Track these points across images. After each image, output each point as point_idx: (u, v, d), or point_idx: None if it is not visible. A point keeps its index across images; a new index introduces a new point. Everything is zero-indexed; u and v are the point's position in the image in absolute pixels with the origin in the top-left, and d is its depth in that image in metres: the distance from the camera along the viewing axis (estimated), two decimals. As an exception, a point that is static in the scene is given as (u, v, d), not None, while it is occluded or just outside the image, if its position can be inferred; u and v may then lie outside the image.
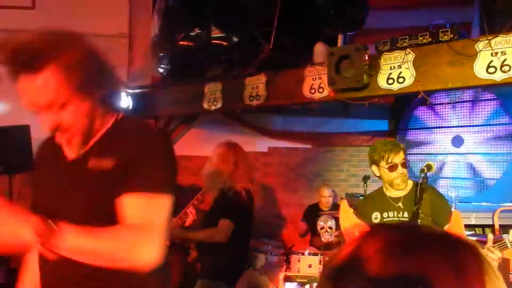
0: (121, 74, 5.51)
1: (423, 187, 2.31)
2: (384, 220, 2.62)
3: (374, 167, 2.66)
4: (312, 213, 5.01)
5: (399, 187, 2.58)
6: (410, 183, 2.65)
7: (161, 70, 5.02)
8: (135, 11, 5.69)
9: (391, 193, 2.65)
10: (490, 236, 2.28)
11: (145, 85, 5.36)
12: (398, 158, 2.56)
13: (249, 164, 3.37)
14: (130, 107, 5.39)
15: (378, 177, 2.69)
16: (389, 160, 2.55)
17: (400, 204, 2.61)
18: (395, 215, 2.60)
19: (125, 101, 5.30)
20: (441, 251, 0.55)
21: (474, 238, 3.50)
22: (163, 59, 4.87)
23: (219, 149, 3.28)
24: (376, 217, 2.65)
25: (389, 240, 0.56)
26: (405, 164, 2.59)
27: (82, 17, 5.64)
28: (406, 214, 2.56)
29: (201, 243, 3.29)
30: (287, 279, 3.84)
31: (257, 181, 5.68)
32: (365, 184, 3.14)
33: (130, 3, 5.70)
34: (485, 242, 3.37)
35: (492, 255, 2.19)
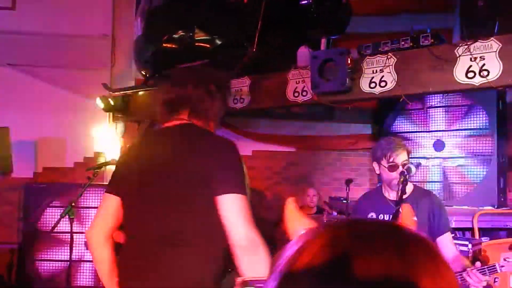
0: (103, 75, 5.50)
1: (404, 190, 2.29)
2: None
3: (375, 164, 2.57)
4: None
5: (396, 188, 2.45)
6: (411, 187, 2.56)
7: (144, 72, 4.98)
8: (118, 12, 5.64)
9: (389, 195, 2.57)
10: (478, 264, 2.23)
11: (127, 87, 5.31)
12: (400, 158, 2.47)
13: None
14: (113, 110, 5.35)
15: (378, 175, 2.61)
16: (391, 160, 2.46)
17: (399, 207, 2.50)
18: (392, 219, 2.46)
19: (108, 103, 5.25)
20: (391, 243, 0.54)
21: (456, 241, 3.53)
22: (146, 61, 4.84)
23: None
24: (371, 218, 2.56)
25: (334, 235, 0.55)
26: (405, 165, 2.47)
27: (64, 18, 5.59)
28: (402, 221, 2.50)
29: None
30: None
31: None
32: (347, 188, 3.15)
33: (113, 4, 5.65)
34: (465, 245, 3.44)
35: (475, 279, 2.15)
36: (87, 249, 5.17)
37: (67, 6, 5.58)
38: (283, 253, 0.56)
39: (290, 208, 0.83)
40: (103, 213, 1.92)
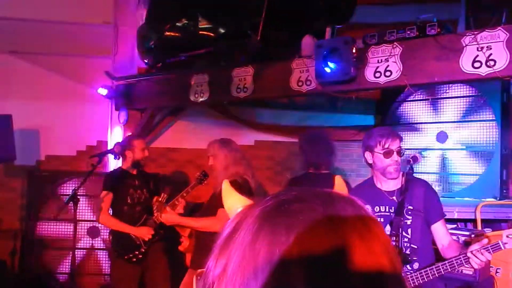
0: (106, 63, 5.48)
1: (409, 178, 2.29)
2: (376, 214, 2.50)
3: (367, 154, 2.57)
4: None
5: (391, 175, 2.49)
6: (403, 175, 2.55)
7: (147, 61, 4.96)
8: (121, 0, 5.61)
9: (382, 185, 2.56)
10: (485, 241, 2.26)
11: (130, 75, 5.29)
12: (395, 144, 2.49)
13: (241, 155, 3.46)
14: (116, 99, 5.34)
15: (370, 165, 2.61)
16: (386, 146, 2.47)
17: (394, 197, 2.50)
18: (387, 210, 2.49)
19: (110, 92, 5.24)
20: (319, 202, 0.55)
21: (458, 232, 3.53)
22: (149, 50, 4.82)
23: (216, 150, 3.42)
24: None
25: (264, 206, 0.57)
26: (400, 152, 2.51)
27: (66, 5, 5.55)
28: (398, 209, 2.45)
29: (196, 232, 3.32)
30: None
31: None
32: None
33: (116, -9, 5.62)
34: (468, 236, 3.44)
35: (481, 257, 2.14)
36: (90, 237, 5.20)
37: (69, -8, 5.54)
38: (224, 231, 0.58)
39: (226, 187, 0.84)
40: None
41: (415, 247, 2.43)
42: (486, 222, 3.96)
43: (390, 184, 2.54)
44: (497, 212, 4.10)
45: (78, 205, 3.80)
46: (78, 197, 3.67)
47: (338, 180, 0.86)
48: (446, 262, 2.24)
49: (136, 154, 3.91)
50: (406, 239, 2.43)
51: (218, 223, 3.13)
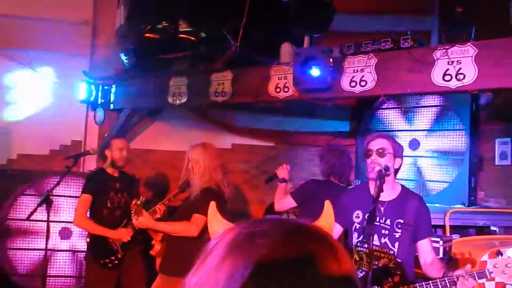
0: (83, 62, 5.42)
1: (381, 187, 2.30)
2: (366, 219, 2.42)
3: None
4: (274, 211, 5.08)
5: (369, 175, 2.47)
6: (398, 188, 2.53)
7: (125, 61, 4.94)
8: (100, -1, 5.57)
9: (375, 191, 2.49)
10: (468, 267, 2.19)
11: (108, 75, 5.25)
12: (375, 145, 2.47)
13: (221, 162, 3.44)
14: (93, 99, 5.29)
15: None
16: (367, 147, 2.49)
17: (382, 208, 2.47)
18: (377, 220, 2.42)
19: (88, 91, 5.19)
20: (283, 238, 0.59)
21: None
22: (128, 50, 4.80)
23: (192, 155, 3.36)
24: (357, 216, 2.54)
25: (238, 233, 0.61)
26: (381, 153, 2.45)
27: (45, 2, 5.47)
28: (388, 222, 2.45)
29: (167, 236, 3.31)
30: None
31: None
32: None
33: (96, -10, 5.58)
34: (437, 242, 3.54)
35: (467, 284, 2.10)
36: (62, 238, 5.12)
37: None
38: (206, 250, 0.62)
39: (212, 210, 0.88)
40: None
41: (400, 261, 2.43)
42: (455, 229, 4.09)
43: (384, 193, 2.42)
44: (465, 218, 4.24)
45: (52, 206, 3.73)
46: (51, 198, 3.60)
47: (327, 205, 0.89)
48: (430, 282, 2.23)
49: (114, 153, 3.87)
50: (392, 252, 2.44)
51: (192, 228, 3.13)
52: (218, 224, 0.79)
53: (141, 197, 3.44)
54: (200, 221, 3.11)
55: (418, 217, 2.45)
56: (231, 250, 0.58)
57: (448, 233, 3.92)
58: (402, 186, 2.57)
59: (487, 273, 2.12)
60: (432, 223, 4.12)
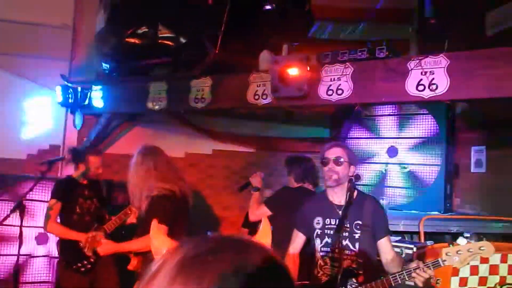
0: (62, 66, 5.36)
1: (359, 194, 2.39)
2: (326, 226, 2.60)
3: (321, 167, 2.66)
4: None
5: (326, 182, 2.60)
6: (354, 192, 2.59)
7: (105, 66, 4.91)
8: (81, 3, 5.52)
9: (334, 198, 2.64)
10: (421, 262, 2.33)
11: (87, 79, 5.21)
12: (331, 153, 2.58)
13: (172, 164, 3.23)
14: (72, 103, 5.23)
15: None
16: (324, 155, 2.59)
17: (341, 212, 2.54)
18: (336, 223, 2.54)
19: (66, 96, 5.13)
20: (231, 254, 0.63)
21: (402, 244, 3.70)
22: (108, 55, 4.77)
23: (135, 159, 3.15)
24: (318, 222, 2.63)
25: (183, 255, 0.63)
26: (337, 162, 2.55)
27: (24, 4, 5.41)
28: (347, 224, 2.53)
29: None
30: None
31: (200, 182, 5.71)
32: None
33: (76, -6, 5.53)
34: (410, 248, 3.61)
35: (424, 274, 2.24)
36: (38, 243, 5.05)
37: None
38: (151, 269, 0.64)
39: (154, 227, 0.91)
40: None
41: (361, 261, 2.53)
42: (431, 235, 4.16)
43: (340, 198, 2.60)
44: (439, 225, 4.31)
45: (25, 212, 3.68)
46: (24, 204, 3.56)
47: (265, 222, 0.94)
48: (390, 276, 2.35)
49: (90, 171, 3.87)
50: (353, 253, 2.53)
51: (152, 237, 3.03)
52: (161, 242, 0.81)
53: (95, 232, 3.48)
54: (157, 226, 2.98)
55: (375, 217, 2.57)
56: (181, 269, 0.60)
57: (422, 240, 3.98)
58: (358, 190, 2.67)
59: (441, 262, 2.25)
60: (408, 229, 4.24)
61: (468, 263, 2.29)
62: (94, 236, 3.41)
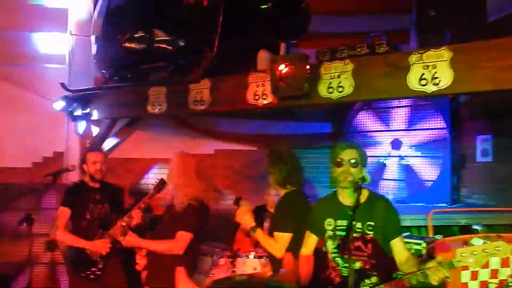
0: (62, 74, 5.34)
1: (371, 195, 2.35)
2: (337, 228, 2.57)
3: (332, 168, 2.61)
4: (259, 215, 5.05)
5: (340, 184, 2.54)
6: (365, 193, 2.57)
7: (103, 72, 4.88)
8: (76, 10, 5.50)
9: (344, 199, 2.59)
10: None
11: (86, 87, 5.19)
12: (346, 155, 2.53)
13: (207, 174, 3.45)
14: (72, 110, 5.21)
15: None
16: (338, 157, 2.53)
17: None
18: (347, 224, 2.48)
19: (66, 103, 5.11)
20: None
21: (411, 240, 3.64)
22: (105, 61, 4.74)
23: (179, 162, 3.34)
24: (329, 224, 2.60)
25: None
26: (353, 164, 2.51)
27: (20, 14, 5.40)
28: (359, 225, 2.51)
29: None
30: None
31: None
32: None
33: (72, 1, 5.50)
34: (419, 244, 3.56)
35: (439, 274, 2.16)
36: (46, 251, 5.05)
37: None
38: None
39: (181, 275, 0.87)
40: None
41: (374, 262, 2.50)
42: (438, 228, 4.11)
43: (351, 199, 2.52)
44: (447, 218, 4.26)
45: (33, 224, 3.67)
46: (33, 218, 3.55)
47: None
48: (404, 277, 2.28)
49: (89, 168, 3.83)
50: (365, 254, 2.50)
51: (177, 246, 3.16)
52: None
53: (127, 219, 3.44)
54: (186, 238, 3.17)
55: (387, 218, 2.52)
56: None
57: (431, 234, 3.94)
58: (369, 190, 2.62)
59: (455, 264, 2.18)
60: (416, 224, 4.19)
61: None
62: (125, 227, 3.40)
